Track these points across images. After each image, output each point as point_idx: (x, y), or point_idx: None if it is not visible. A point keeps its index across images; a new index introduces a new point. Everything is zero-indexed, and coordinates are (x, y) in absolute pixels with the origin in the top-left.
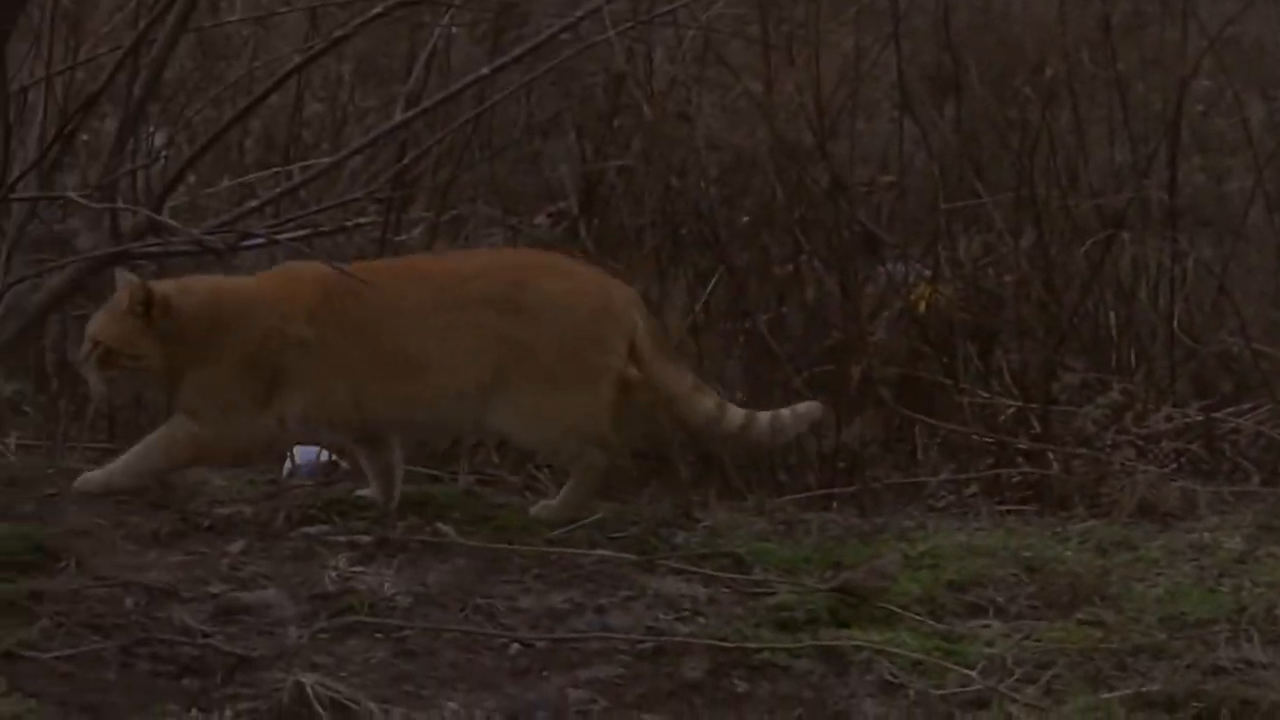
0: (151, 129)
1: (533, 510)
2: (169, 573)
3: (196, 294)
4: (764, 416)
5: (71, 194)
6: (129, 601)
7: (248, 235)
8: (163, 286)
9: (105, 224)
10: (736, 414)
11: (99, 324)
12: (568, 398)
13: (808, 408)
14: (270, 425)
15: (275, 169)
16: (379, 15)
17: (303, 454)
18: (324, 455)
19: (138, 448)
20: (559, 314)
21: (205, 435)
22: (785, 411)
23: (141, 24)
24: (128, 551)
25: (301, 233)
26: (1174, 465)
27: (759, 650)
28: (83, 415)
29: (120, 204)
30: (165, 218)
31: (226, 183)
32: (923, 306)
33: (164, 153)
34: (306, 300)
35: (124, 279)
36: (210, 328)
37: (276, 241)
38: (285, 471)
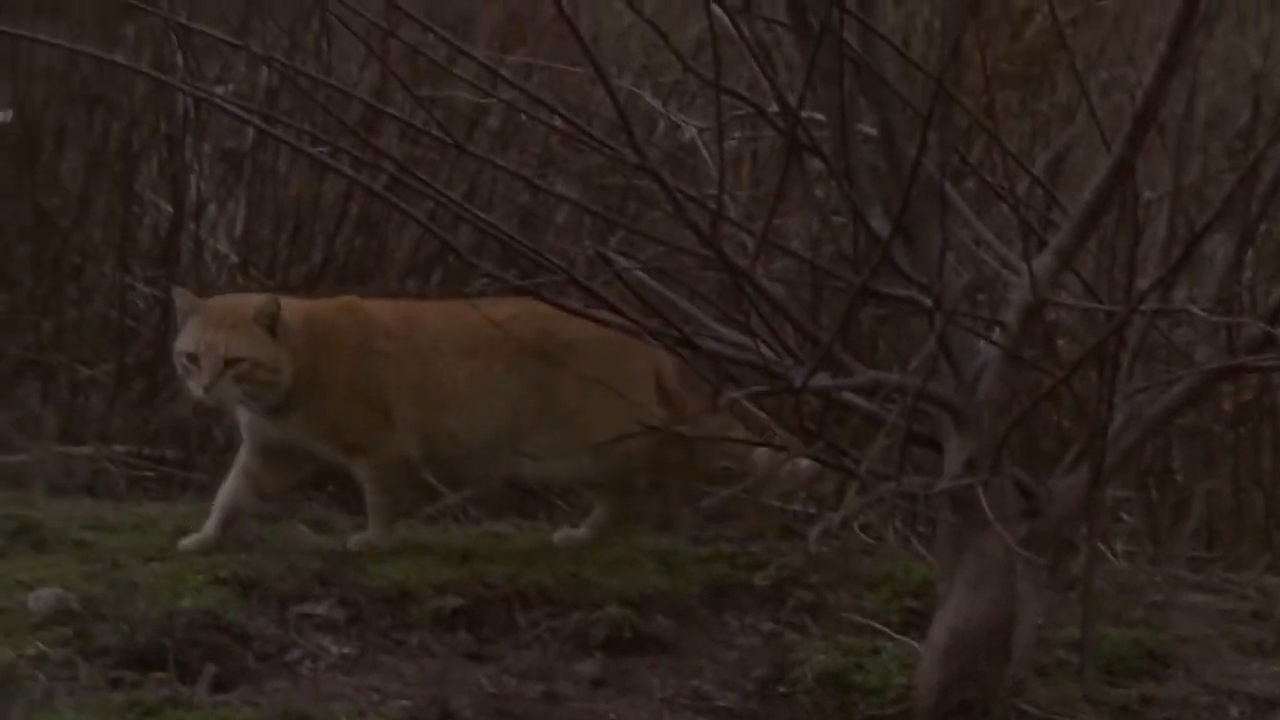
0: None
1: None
2: (1272, 683)
3: None
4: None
5: (1192, 307)
6: (1233, 711)
7: None
8: None
9: (1221, 337)
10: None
11: None
12: None
13: None
14: None
15: None
16: None
17: None
18: None
19: None
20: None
21: None
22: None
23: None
24: (1232, 660)
25: None
26: None
27: None
28: (1181, 521)
29: (1236, 318)
30: None
31: None
32: None
33: None
34: None
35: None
36: None
37: None
38: None
